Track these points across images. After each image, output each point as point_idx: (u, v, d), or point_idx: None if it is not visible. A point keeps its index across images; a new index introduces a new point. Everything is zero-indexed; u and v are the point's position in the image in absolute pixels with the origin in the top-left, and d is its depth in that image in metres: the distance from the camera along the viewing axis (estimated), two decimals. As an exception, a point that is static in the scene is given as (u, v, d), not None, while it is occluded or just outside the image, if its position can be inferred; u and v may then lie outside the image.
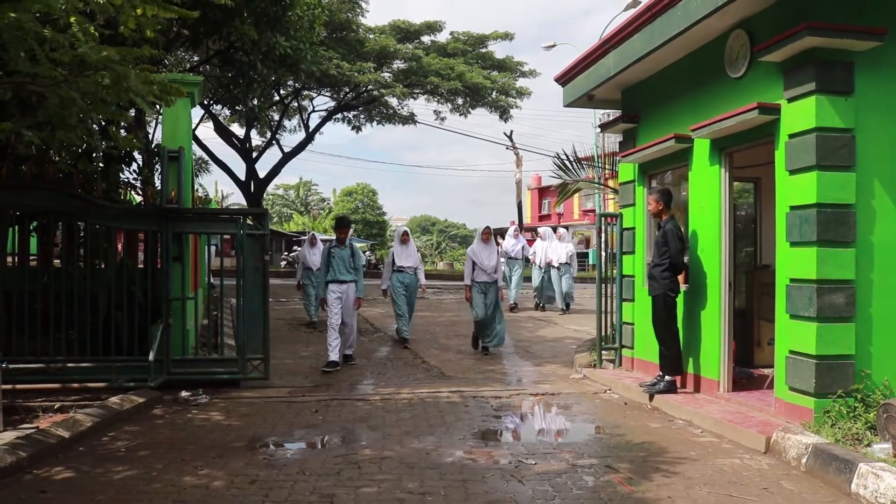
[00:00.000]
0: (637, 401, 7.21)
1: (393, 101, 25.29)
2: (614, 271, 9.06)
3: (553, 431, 6.35)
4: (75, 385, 6.96)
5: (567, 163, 12.19)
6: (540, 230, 15.07)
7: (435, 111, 27.04)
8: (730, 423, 5.84)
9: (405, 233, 11.19)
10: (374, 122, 26.84)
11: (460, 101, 25.84)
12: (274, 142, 26.45)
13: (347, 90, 24.35)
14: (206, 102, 18.04)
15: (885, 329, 5.52)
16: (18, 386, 6.71)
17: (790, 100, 5.71)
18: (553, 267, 15.31)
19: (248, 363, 7.59)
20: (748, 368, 7.63)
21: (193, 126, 13.80)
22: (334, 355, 8.76)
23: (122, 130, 8.20)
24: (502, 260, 18.99)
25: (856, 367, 5.44)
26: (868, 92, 5.51)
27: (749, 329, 7.99)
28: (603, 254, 9.35)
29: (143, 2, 4.59)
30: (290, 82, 20.52)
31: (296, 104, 25.51)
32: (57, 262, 8.34)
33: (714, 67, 6.73)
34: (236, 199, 42.06)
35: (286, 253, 38.43)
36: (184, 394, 7.12)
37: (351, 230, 12.56)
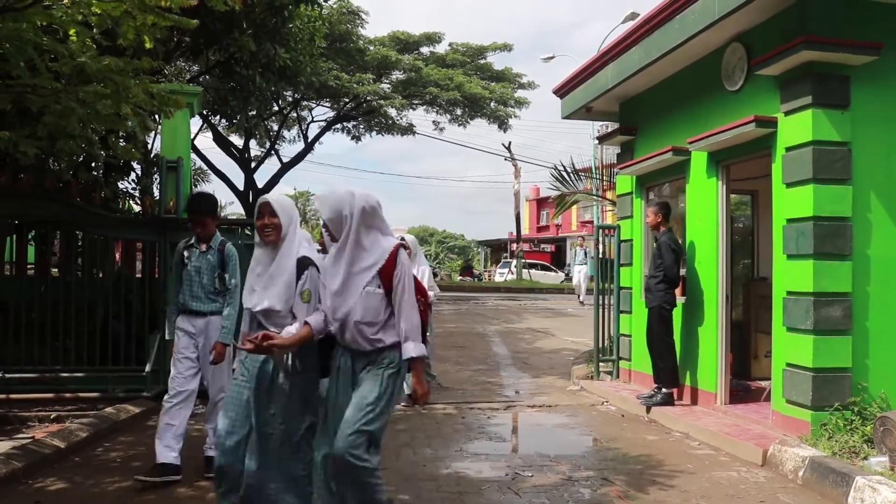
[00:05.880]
0: (634, 413, 7.19)
1: (392, 112, 25.33)
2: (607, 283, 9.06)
3: (550, 443, 6.32)
4: (71, 395, 6.94)
5: (565, 174, 12.20)
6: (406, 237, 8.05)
7: (434, 121, 27.11)
8: (727, 436, 5.84)
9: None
10: (374, 133, 26.90)
11: (459, 111, 25.89)
12: (273, 152, 26.47)
13: (347, 101, 24.41)
14: (205, 113, 18.07)
15: (881, 342, 5.53)
16: (13, 396, 6.69)
17: (787, 113, 5.73)
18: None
19: (244, 373, 7.55)
20: (745, 381, 7.63)
21: (192, 136, 13.82)
22: (165, 454, 4.77)
23: (121, 140, 8.21)
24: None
25: (853, 380, 5.44)
26: (864, 105, 5.54)
27: (746, 341, 7.99)
28: (599, 266, 9.35)
29: (142, 12, 4.61)
30: (289, 93, 20.54)
31: (295, 114, 25.56)
32: (55, 271, 8.34)
33: (711, 80, 6.77)
34: (234, 209, 42.03)
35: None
36: (180, 404, 7.07)
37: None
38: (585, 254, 20.72)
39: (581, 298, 20.32)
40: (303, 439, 3.62)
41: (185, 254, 5.04)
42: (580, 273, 20.94)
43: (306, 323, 3.52)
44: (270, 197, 3.79)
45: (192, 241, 5.07)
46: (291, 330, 3.55)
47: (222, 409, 3.84)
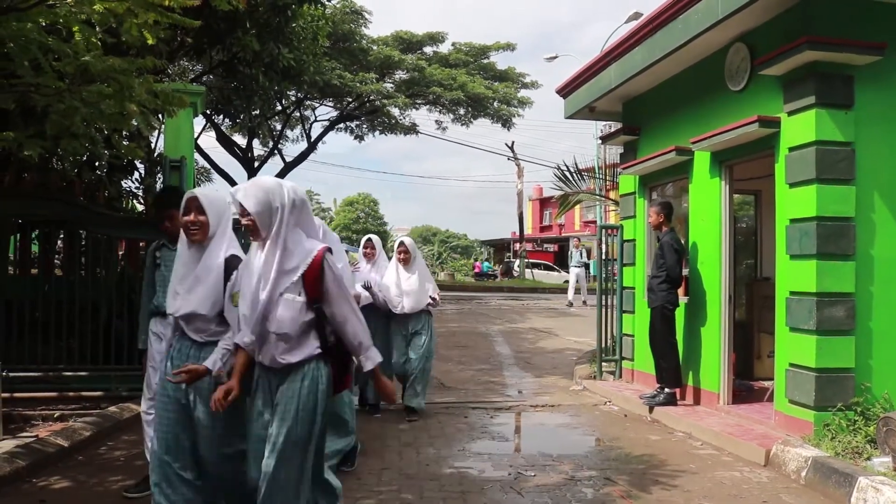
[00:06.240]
0: (637, 413, 7.19)
1: (395, 111, 25.36)
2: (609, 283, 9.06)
3: (552, 443, 6.32)
4: (74, 394, 6.95)
5: (568, 174, 12.20)
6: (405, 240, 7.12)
7: (437, 121, 27.12)
8: (729, 436, 5.83)
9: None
10: (377, 132, 26.93)
11: (462, 111, 25.91)
12: (276, 151, 26.52)
13: (350, 100, 24.43)
14: (208, 112, 18.10)
15: (884, 342, 5.52)
16: (17, 394, 6.71)
17: (790, 113, 5.73)
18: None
19: (247, 373, 7.55)
20: (748, 381, 7.62)
21: (196, 135, 13.86)
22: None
23: (125, 139, 8.23)
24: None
25: (856, 381, 5.44)
26: (868, 105, 5.53)
27: (749, 341, 7.98)
28: (602, 265, 9.35)
29: (144, 10, 4.62)
30: (292, 92, 20.56)
31: (298, 114, 25.59)
32: (58, 270, 8.34)
33: (715, 80, 6.76)
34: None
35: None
36: (183, 403, 7.08)
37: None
38: (581, 255, 20.77)
39: (583, 298, 20.29)
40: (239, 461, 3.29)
41: (157, 255, 4.62)
42: (575, 274, 20.95)
43: (239, 347, 3.14)
44: (199, 192, 3.45)
45: (164, 241, 4.63)
46: (226, 345, 3.28)
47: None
